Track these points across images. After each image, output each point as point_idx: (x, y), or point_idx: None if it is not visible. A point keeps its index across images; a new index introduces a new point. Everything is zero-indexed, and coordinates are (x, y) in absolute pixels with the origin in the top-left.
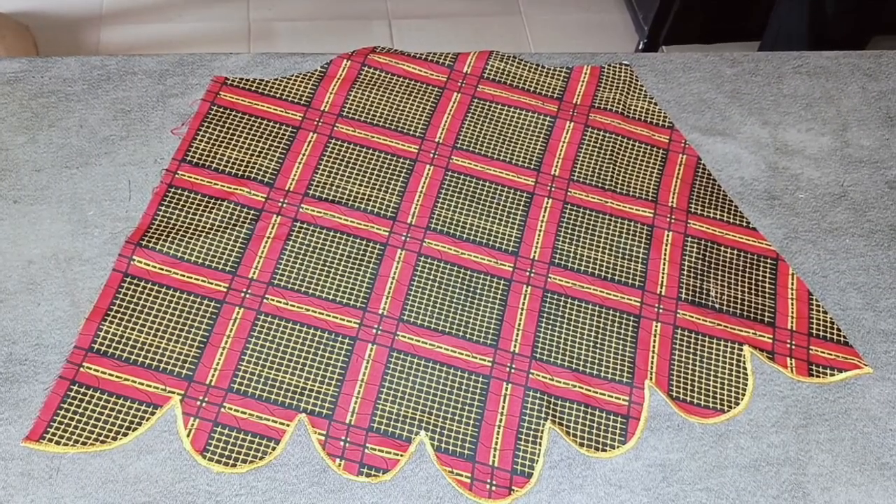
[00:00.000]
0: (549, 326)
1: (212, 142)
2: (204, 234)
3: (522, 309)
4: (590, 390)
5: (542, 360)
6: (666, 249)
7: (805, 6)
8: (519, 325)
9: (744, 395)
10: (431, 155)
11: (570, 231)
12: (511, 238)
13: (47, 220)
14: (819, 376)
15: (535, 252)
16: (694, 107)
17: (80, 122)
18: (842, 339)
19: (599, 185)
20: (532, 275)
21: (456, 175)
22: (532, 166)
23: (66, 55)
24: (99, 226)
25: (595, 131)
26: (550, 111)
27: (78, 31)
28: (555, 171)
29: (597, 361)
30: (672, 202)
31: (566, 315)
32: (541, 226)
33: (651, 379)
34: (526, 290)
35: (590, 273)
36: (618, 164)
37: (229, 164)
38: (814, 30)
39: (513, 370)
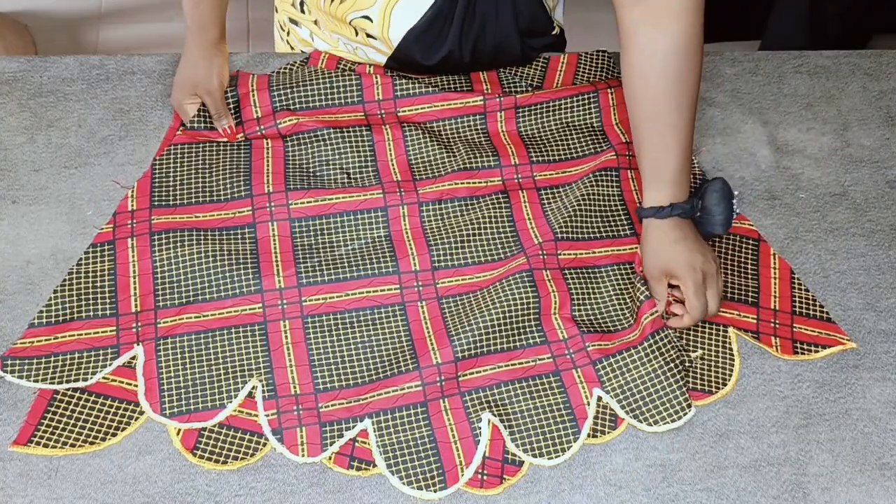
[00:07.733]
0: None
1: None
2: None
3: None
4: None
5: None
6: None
7: (805, 6)
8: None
9: (731, 376)
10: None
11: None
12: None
13: (46, 221)
14: (804, 353)
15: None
16: None
17: (79, 122)
18: (825, 315)
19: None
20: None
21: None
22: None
23: (64, 54)
24: (98, 226)
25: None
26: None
27: (77, 30)
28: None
29: None
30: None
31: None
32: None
33: None
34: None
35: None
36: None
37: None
38: (814, 29)
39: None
